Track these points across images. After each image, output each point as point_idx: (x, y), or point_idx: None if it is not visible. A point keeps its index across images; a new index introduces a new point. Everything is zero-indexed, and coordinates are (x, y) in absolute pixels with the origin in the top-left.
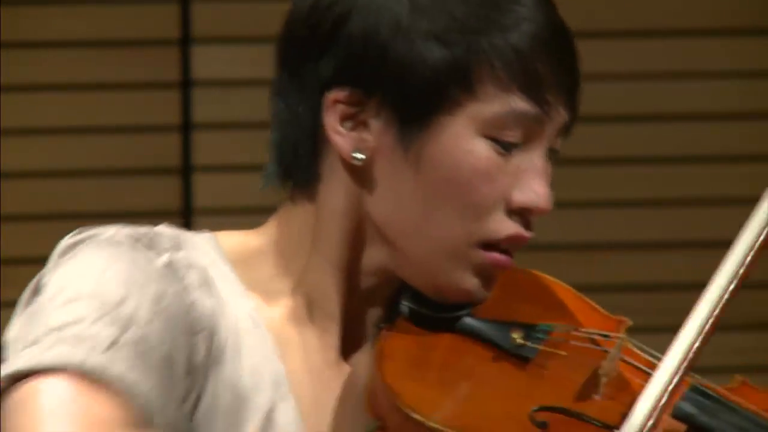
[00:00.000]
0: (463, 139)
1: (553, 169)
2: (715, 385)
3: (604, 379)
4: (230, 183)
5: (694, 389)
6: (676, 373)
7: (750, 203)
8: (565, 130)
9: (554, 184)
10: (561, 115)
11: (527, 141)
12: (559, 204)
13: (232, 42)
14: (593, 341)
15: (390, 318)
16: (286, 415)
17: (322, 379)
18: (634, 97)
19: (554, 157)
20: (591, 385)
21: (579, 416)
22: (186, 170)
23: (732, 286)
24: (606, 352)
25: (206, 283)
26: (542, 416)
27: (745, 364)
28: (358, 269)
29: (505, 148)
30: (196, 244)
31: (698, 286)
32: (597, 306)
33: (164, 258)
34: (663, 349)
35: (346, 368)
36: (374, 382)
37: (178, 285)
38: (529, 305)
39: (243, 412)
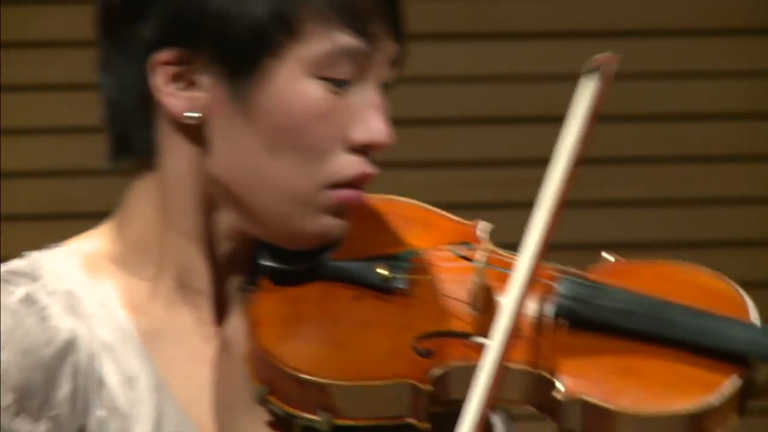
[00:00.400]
0: (293, 83)
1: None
2: (583, 272)
3: (476, 293)
4: None
5: (565, 282)
6: (531, 268)
7: (750, 203)
8: (396, 62)
9: None
10: (389, 47)
11: (359, 76)
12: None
13: None
14: (458, 255)
15: (252, 278)
16: (172, 417)
17: (203, 358)
18: (634, 97)
19: (389, 90)
20: (465, 300)
21: (459, 335)
22: None
23: (568, 168)
24: (471, 263)
25: (71, 305)
26: (425, 344)
27: None
28: (215, 235)
29: (338, 85)
30: (53, 265)
31: None
32: (450, 215)
33: (20, 293)
34: None
35: (224, 339)
36: (253, 350)
37: (34, 317)
38: (386, 234)
39: (132, 428)
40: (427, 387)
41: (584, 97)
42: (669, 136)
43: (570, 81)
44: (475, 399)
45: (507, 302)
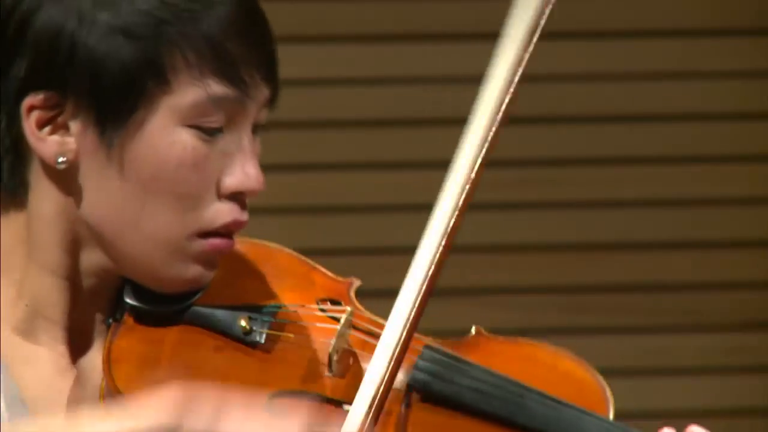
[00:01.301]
0: (164, 132)
1: (554, 170)
2: (448, 346)
3: (335, 355)
4: None
5: (426, 354)
6: (400, 338)
7: (750, 203)
8: (270, 104)
9: (554, 185)
10: (262, 92)
11: (231, 123)
12: (560, 204)
13: None
14: (324, 314)
15: (117, 313)
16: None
17: (57, 389)
18: (634, 97)
19: (262, 131)
20: (323, 362)
21: (312, 396)
22: None
23: (451, 225)
24: (337, 321)
25: None
26: (279, 403)
27: (743, 365)
28: (78, 272)
29: (209, 134)
30: None
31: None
32: (324, 270)
33: None
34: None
35: (80, 373)
36: (106, 387)
37: None
38: (256, 283)
39: None
40: None
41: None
42: (669, 136)
43: (571, 81)
44: None
45: (372, 374)
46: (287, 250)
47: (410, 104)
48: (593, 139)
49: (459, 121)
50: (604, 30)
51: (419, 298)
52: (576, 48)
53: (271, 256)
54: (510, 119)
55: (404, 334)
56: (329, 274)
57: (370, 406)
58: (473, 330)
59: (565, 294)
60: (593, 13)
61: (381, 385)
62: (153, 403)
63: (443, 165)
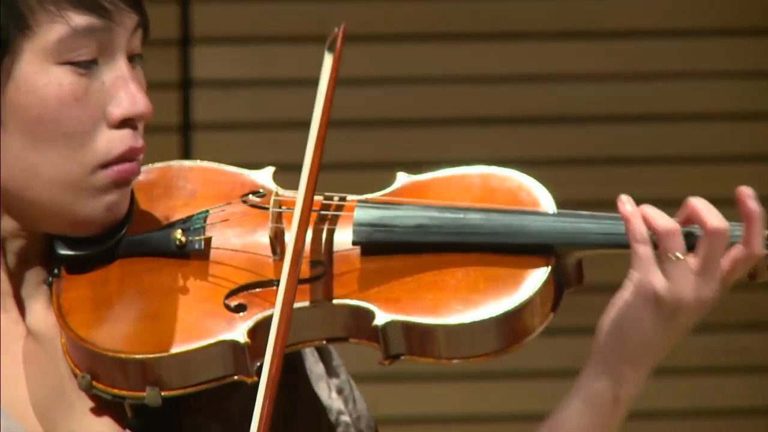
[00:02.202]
0: (38, 75)
1: (554, 170)
2: (377, 195)
3: (273, 238)
4: None
5: (360, 210)
6: (306, 201)
7: None
8: (143, 30)
9: (555, 185)
10: (128, 17)
11: (103, 53)
12: (560, 204)
13: (232, 42)
14: (250, 205)
15: (55, 268)
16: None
17: (19, 356)
18: (634, 97)
19: (141, 61)
20: (265, 249)
21: (266, 284)
22: None
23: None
24: (264, 210)
25: None
26: (235, 299)
27: (745, 364)
28: (4, 239)
29: (84, 67)
30: None
31: None
32: (238, 169)
33: None
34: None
35: (36, 336)
36: (67, 340)
37: None
38: (176, 200)
39: None
40: (242, 340)
41: (325, 71)
42: (669, 136)
43: (570, 81)
44: (270, 340)
45: (289, 239)
46: (197, 162)
47: (409, 104)
48: (593, 139)
49: (458, 121)
50: (604, 30)
51: (317, 158)
52: (576, 48)
53: (180, 172)
54: (510, 119)
55: (308, 194)
56: (240, 170)
57: (292, 263)
58: (399, 175)
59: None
60: (593, 13)
61: (296, 247)
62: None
63: (442, 165)
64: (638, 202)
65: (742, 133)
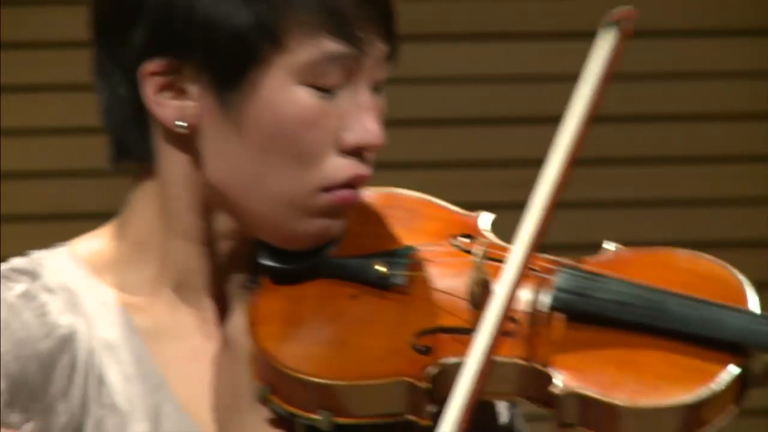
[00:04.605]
0: (281, 92)
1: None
2: (580, 263)
3: (475, 288)
4: None
5: (563, 274)
6: (524, 259)
7: (750, 203)
8: (388, 61)
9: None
10: (378, 48)
11: (348, 80)
12: (561, 204)
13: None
14: (458, 249)
15: (254, 275)
16: (171, 416)
17: (205, 356)
18: (634, 97)
19: (381, 90)
20: (464, 296)
21: (457, 331)
22: None
23: (565, 164)
24: (470, 255)
25: (71, 303)
26: (423, 341)
27: None
28: (214, 236)
29: (326, 91)
30: (55, 264)
31: None
32: (451, 206)
33: (18, 289)
34: None
35: (226, 338)
36: (253, 350)
37: (33, 312)
38: (385, 229)
39: (130, 426)
40: (425, 384)
41: (601, 53)
42: (669, 136)
43: (570, 81)
44: (460, 390)
45: (498, 293)
46: (415, 194)
47: (409, 104)
48: (594, 139)
49: (458, 122)
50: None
51: (545, 213)
52: (576, 48)
53: (399, 201)
54: (511, 119)
55: (528, 251)
56: (458, 210)
57: (496, 327)
58: (605, 245)
59: None
60: (593, 13)
61: (505, 304)
62: None
63: (442, 165)
64: (637, 201)
65: (742, 133)
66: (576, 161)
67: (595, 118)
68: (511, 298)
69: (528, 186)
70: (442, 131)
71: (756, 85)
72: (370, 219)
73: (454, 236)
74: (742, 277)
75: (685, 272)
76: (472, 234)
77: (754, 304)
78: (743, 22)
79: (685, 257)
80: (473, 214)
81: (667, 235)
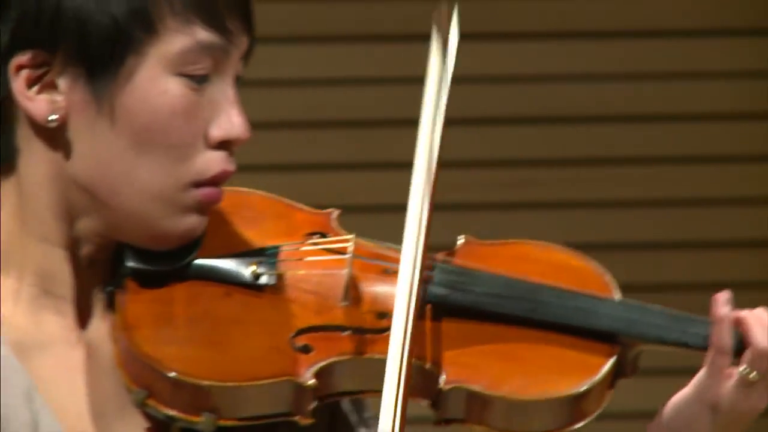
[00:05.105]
0: (154, 82)
1: (554, 170)
2: (451, 258)
3: (346, 284)
4: (235, 184)
5: (437, 270)
6: (416, 260)
7: (750, 203)
8: (247, 56)
9: (554, 185)
10: (243, 41)
11: (217, 71)
12: (561, 204)
13: None
14: (322, 248)
15: (117, 280)
16: (49, 426)
17: (71, 364)
18: (633, 97)
19: (239, 83)
20: (334, 293)
21: (333, 328)
22: None
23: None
24: (337, 251)
25: None
26: (302, 340)
27: None
28: (76, 240)
29: (198, 81)
30: None
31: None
32: (301, 205)
33: None
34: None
35: (88, 344)
36: (128, 354)
37: None
38: (246, 229)
39: None
40: (308, 383)
41: (438, 56)
42: (669, 136)
43: (570, 81)
44: (388, 392)
45: (401, 292)
46: (260, 192)
47: (409, 104)
48: (593, 139)
49: (458, 122)
50: (604, 30)
51: (429, 205)
52: (576, 48)
53: (247, 200)
54: (511, 119)
55: (420, 248)
56: (307, 208)
57: (405, 324)
58: (461, 238)
59: None
60: (593, 13)
61: (410, 300)
62: None
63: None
64: (637, 201)
65: (742, 133)
66: (441, 163)
67: (595, 118)
68: (416, 296)
69: (527, 186)
70: (442, 131)
71: (757, 85)
72: (223, 219)
73: (309, 234)
74: (599, 266)
75: (542, 263)
76: (326, 232)
77: (615, 293)
78: (744, 22)
79: (539, 249)
80: (325, 211)
81: (667, 235)
